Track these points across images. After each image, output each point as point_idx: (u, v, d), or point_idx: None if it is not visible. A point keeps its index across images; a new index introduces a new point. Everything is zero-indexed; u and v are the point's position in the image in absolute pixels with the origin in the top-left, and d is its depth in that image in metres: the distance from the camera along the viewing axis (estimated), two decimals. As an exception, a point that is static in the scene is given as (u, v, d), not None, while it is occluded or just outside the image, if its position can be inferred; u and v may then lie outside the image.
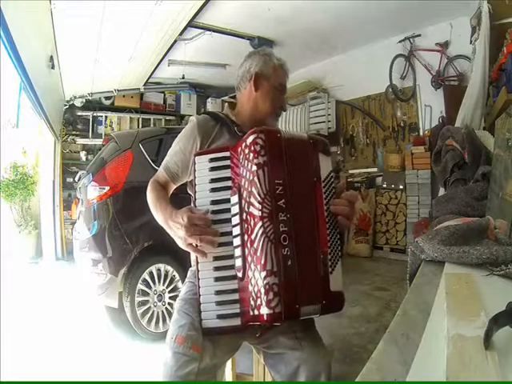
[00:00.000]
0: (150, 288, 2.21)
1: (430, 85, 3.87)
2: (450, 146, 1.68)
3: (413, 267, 0.76)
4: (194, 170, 0.79)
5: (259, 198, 0.69)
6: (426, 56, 3.91)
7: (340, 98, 4.77)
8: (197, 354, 0.74)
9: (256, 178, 0.70)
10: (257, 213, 0.69)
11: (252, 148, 0.72)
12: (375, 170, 4.40)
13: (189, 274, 0.98)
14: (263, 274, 0.66)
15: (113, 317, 2.45)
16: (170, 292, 2.26)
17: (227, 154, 0.78)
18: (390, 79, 3.98)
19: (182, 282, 2.24)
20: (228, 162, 0.78)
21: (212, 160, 0.79)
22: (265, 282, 0.66)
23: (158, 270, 2.24)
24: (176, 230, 0.76)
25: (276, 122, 1.04)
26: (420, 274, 0.68)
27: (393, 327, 0.47)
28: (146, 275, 2.19)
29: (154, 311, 2.21)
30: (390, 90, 4.07)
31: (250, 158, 0.72)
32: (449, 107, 3.43)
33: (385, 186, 4.07)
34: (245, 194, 0.72)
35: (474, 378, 0.33)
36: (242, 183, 0.73)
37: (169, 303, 2.25)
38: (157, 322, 2.20)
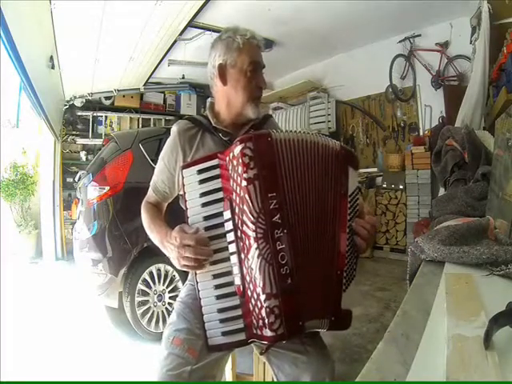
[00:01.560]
0: (150, 288, 2.20)
1: (430, 85, 3.86)
2: (449, 146, 1.68)
3: (413, 267, 0.76)
4: (183, 185, 0.74)
5: (252, 218, 0.65)
6: (426, 56, 3.90)
7: (340, 98, 4.76)
8: (192, 357, 0.74)
9: (247, 196, 0.66)
10: (251, 233, 0.66)
11: (240, 160, 0.67)
12: (375, 169, 4.40)
13: (189, 275, 0.96)
14: (263, 296, 0.65)
15: (113, 317, 2.45)
16: (170, 292, 2.26)
17: (216, 162, 0.72)
18: (390, 79, 3.98)
19: (182, 282, 2.26)
20: (217, 171, 0.72)
21: (200, 171, 0.73)
22: (265, 304, 0.65)
23: (158, 270, 2.24)
24: (170, 251, 0.74)
25: (257, 108, 0.90)
26: (420, 274, 0.68)
27: (393, 327, 0.47)
28: (146, 275, 2.19)
29: (153, 311, 2.21)
30: (390, 89, 4.07)
31: (239, 171, 0.67)
32: (449, 107, 3.43)
33: (385, 186, 4.07)
34: (237, 209, 0.68)
35: (474, 378, 0.33)
36: (234, 197, 0.69)
37: (169, 303, 2.25)
38: (157, 322, 2.20)
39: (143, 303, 2.18)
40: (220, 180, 0.72)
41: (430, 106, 3.92)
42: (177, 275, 2.28)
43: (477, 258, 0.64)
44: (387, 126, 4.39)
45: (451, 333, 0.41)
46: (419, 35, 3.86)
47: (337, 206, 0.73)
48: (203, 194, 0.72)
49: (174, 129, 0.92)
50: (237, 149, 0.68)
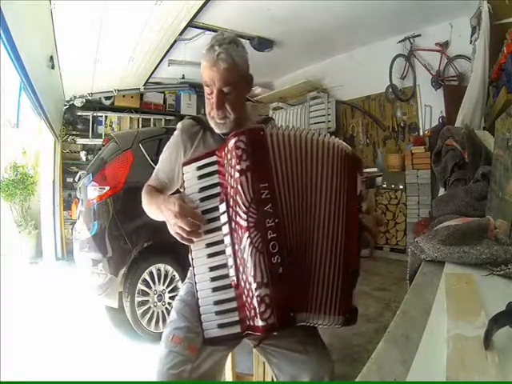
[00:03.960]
0: (150, 288, 2.20)
1: (430, 85, 3.86)
2: (450, 146, 1.68)
3: (413, 267, 0.76)
4: (183, 181, 0.77)
5: (244, 208, 0.67)
6: (426, 56, 3.90)
7: (340, 98, 4.76)
8: (192, 355, 0.75)
9: (239, 186, 0.68)
10: (243, 223, 0.67)
11: (233, 153, 0.69)
12: (375, 169, 4.39)
13: (189, 274, 0.96)
14: (254, 285, 0.66)
15: (113, 317, 2.45)
16: (170, 292, 2.26)
17: (214, 158, 0.75)
18: (390, 79, 3.98)
19: (182, 282, 2.25)
20: (215, 167, 0.75)
21: (199, 168, 0.76)
22: (256, 293, 0.65)
23: (158, 270, 2.24)
24: (167, 215, 0.76)
25: (220, 126, 0.88)
26: (420, 274, 0.68)
27: (393, 327, 0.47)
28: (146, 275, 2.19)
29: (153, 311, 2.21)
30: (390, 90, 4.07)
31: (233, 163, 0.69)
32: (449, 107, 3.42)
33: (385, 186, 4.07)
34: (231, 201, 0.70)
35: (474, 378, 0.33)
36: (229, 190, 0.71)
37: (169, 303, 2.24)
38: (157, 322, 2.20)
39: (143, 303, 2.18)
40: (217, 176, 0.75)
41: (430, 106, 3.92)
42: (177, 275, 2.28)
43: (477, 258, 0.64)
44: (387, 126, 4.39)
45: (451, 333, 0.41)
46: (419, 35, 3.86)
47: (346, 205, 0.73)
48: (202, 189, 0.75)
49: (179, 125, 0.98)
50: (231, 142, 0.70)
